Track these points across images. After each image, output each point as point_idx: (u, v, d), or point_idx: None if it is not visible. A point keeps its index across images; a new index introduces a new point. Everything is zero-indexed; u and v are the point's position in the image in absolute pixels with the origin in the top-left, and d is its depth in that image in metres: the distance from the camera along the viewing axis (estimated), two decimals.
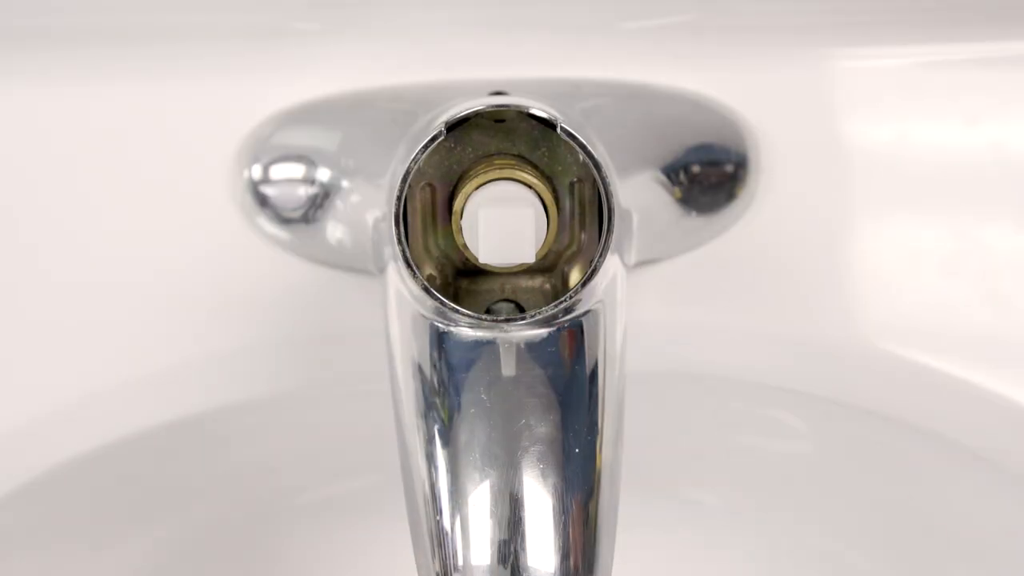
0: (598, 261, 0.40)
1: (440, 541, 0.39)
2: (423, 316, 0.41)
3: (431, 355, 0.41)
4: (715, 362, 0.51)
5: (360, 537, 0.57)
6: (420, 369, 0.41)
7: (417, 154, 0.40)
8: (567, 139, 0.40)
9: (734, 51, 0.51)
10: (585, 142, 0.40)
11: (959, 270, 0.51)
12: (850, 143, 0.52)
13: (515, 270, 0.41)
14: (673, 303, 0.50)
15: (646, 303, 0.50)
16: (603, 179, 0.40)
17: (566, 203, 0.41)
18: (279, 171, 0.49)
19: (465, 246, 0.40)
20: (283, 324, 0.50)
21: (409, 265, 0.40)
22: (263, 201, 0.49)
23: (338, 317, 0.51)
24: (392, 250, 0.41)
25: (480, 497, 0.38)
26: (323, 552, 0.57)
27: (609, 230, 0.40)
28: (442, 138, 0.41)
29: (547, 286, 0.42)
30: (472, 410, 0.39)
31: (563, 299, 0.40)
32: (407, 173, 0.40)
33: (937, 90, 0.52)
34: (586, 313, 0.40)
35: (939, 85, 0.52)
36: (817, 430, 0.55)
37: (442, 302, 0.40)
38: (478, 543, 0.38)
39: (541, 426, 0.39)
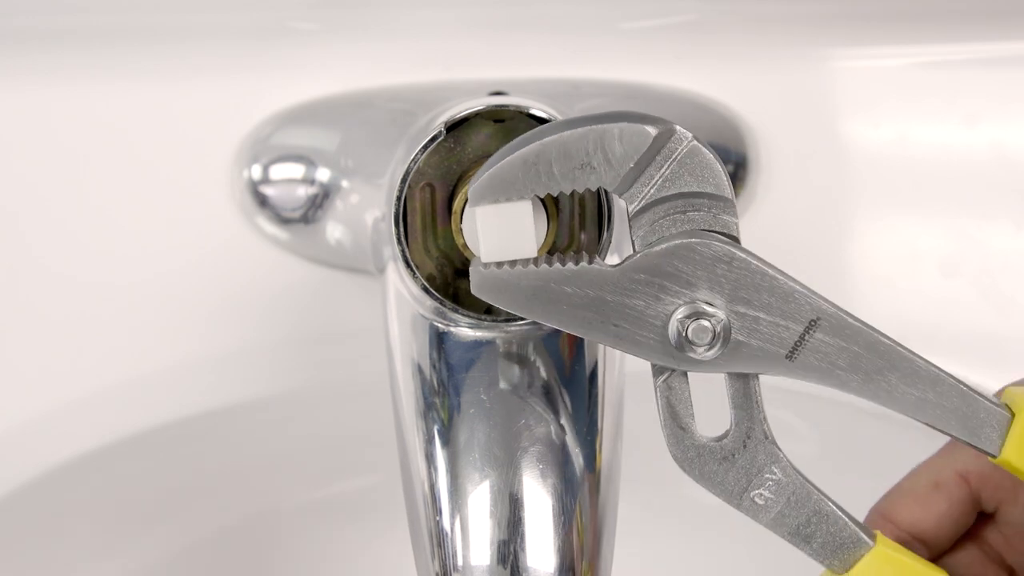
0: None
1: (440, 541, 0.39)
2: (423, 316, 0.41)
3: (431, 355, 0.41)
4: None
5: (361, 536, 0.57)
6: (420, 369, 0.41)
7: (417, 154, 0.40)
8: None
9: (734, 51, 0.52)
10: None
11: (959, 270, 0.51)
12: (850, 143, 0.52)
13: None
14: None
15: None
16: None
17: (565, 203, 0.41)
18: (279, 171, 0.49)
19: (465, 246, 0.40)
20: (283, 324, 0.50)
21: (409, 265, 0.40)
22: (263, 201, 0.49)
23: (338, 317, 0.51)
24: (392, 250, 0.40)
25: (480, 497, 0.38)
26: (324, 551, 0.57)
27: (608, 230, 0.40)
28: (442, 138, 0.41)
29: None
30: (472, 410, 0.39)
31: None
32: (407, 173, 0.40)
33: (937, 90, 0.52)
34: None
35: (939, 85, 0.52)
36: (818, 430, 0.55)
37: (442, 302, 0.40)
38: (478, 543, 0.38)
39: (540, 426, 0.39)
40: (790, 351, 0.37)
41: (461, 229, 0.40)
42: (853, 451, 0.55)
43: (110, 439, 0.50)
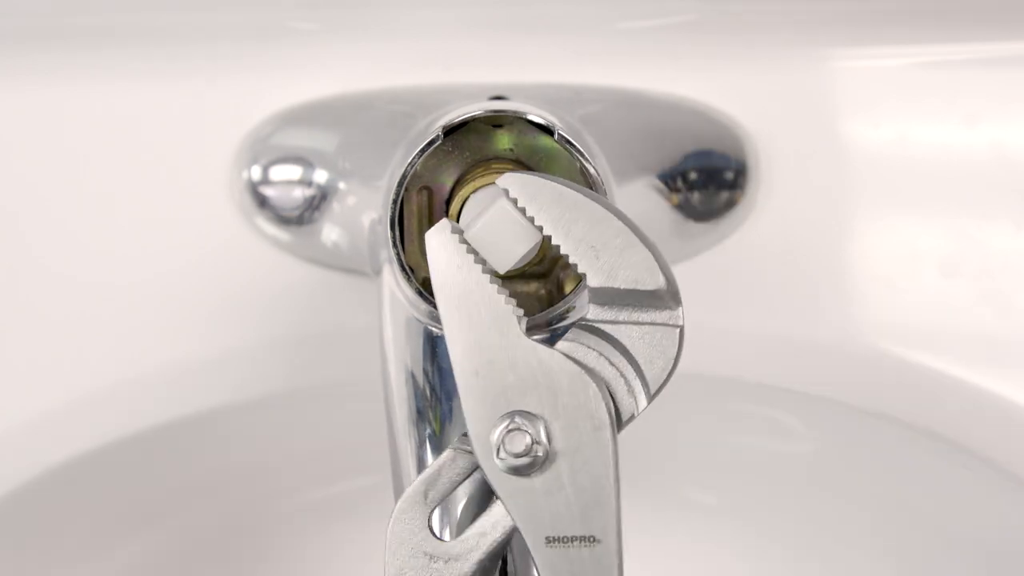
0: None
1: None
2: (417, 320, 0.41)
3: (424, 359, 0.41)
4: (715, 362, 0.51)
5: (358, 538, 0.57)
6: (413, 374, 0.41)
7: (414, 158, 0.40)
8: (564, 145, 0.40)
9: (734, 51, 0.51)
10: (581, 149, 0.40)
11: (959, 270, 0.51)
12: (850, 143, 0.52)
13: (510, 275, 0.41)
14: None
15: None
16: (598, 185, 0.40)
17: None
18: (277, 172, 0.49)
19: None
20: (283, 324, 0.51)
21: (404, 269, 0.40)
22: (262, 202, 0.49)
23: (340, 317, 0.51)
24: (387, 253, 0.41)
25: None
26: (322, 553, 0.57)
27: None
28: (439, 142, 0.41)
29: (542, 292, 0.42)
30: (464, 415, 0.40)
31: (557, 305, 0.40)
32: (403, 176, 0.40)
33: (937, 90, 0.52)
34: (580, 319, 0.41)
35: (939, 85, 0.52)
36: (817, 430, 0.55)
37: (436, 306, 0.40)
38: None
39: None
40: (553, 539, 0.36)
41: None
42: (851, 451, 0.55)
43: (110, 439, 0.50)
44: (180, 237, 0.50)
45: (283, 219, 0.49)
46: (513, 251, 0.37)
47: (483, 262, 0.37)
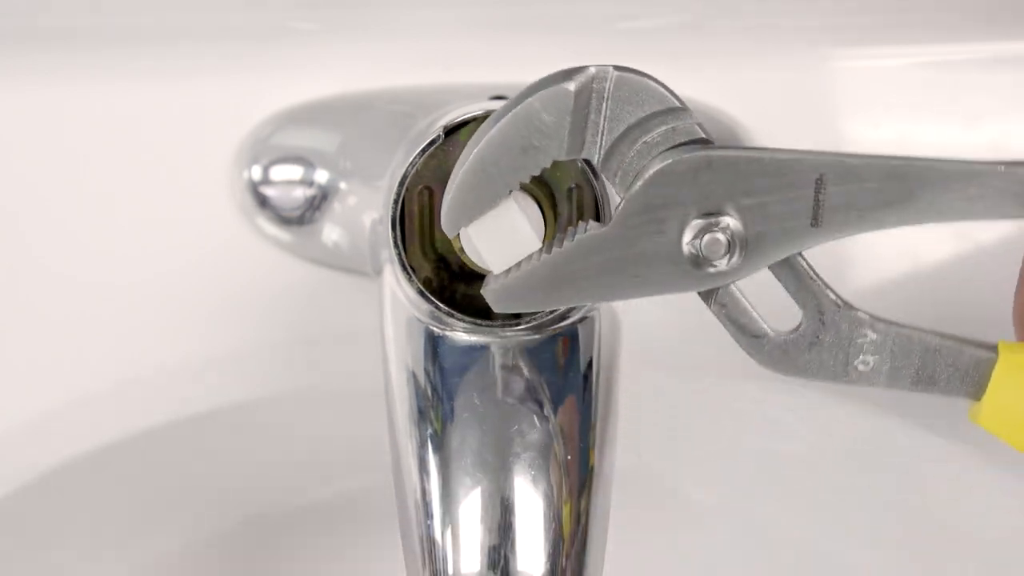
0: None
1: (430, 547, 0.39)
2: (419, 320, 0.41)
3: (425, 359, 0.41)
4: (715, 362, 0.51)
5: (359, 540, 0.57)
6: (414, 373, 0.41)
7: (415, 158, 0.40)
8: None
9: (733, 51, 0.51)
10: None
11: (959, 270, 0.51)
12: (850, 143, 0.52)
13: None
14: (673, 303, 0.50)
15: (646, 303, 0.50)
16: (599, 185, 0.40)
17: (564, 208, 0.41)
18: (278, 172, 0.49)
19: (462, 250, 0.40)
20: (283, 324, 0.51)
21: (405, 268, 0.40)
22: (262, 202, 0.49)
23: (340, 318, 0.51)
24: (388, 253, 0.41)
25: (471, 503, 0.38)
26: (323, 553, 0.57)
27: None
28: (440, 142, 0.41)
29: None
30: (465, 415, 0.39)
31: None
32: (404, 176, 0.40)
33: (938, 91, 0.52)
34: (582, 320, 0.41)
35: (939, 85, 0.52)
36: (817, 430, 0.55)
37: (437, 306, 0.40)
38: (468, 549, 0.38)
39: (533, 432, 0.39)
40: (812, 218, 0.36)
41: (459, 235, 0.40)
42: (852, 450, 0.55)
43: (110, 439, 0.50)
44: (180, 237, 0.50)
45: (284, 219, 0.49)
46: (522, 228, 0.37)
47: (529, 259, 0.37)
